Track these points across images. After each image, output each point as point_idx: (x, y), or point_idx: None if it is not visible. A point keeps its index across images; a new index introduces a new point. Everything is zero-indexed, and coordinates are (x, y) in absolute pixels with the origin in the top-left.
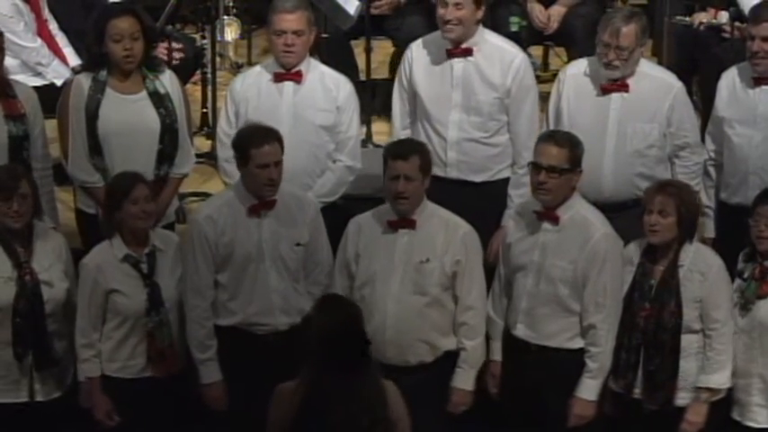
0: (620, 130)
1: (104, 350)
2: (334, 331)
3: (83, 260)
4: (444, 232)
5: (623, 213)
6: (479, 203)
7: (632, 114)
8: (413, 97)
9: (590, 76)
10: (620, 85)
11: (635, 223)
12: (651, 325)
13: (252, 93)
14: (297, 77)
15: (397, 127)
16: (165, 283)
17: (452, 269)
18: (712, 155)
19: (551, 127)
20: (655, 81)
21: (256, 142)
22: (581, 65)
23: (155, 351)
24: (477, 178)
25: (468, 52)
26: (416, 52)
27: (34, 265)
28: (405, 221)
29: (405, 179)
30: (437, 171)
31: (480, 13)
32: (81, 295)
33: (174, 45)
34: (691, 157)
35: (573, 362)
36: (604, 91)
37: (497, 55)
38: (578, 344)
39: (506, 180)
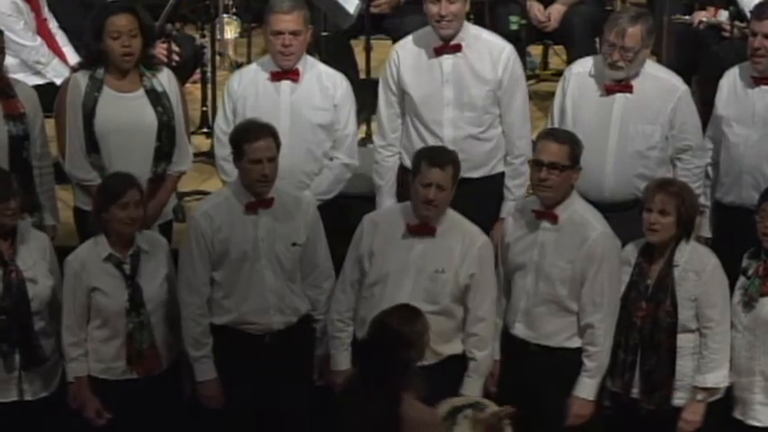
0: (623, 131)
1: (90, 350)
2: (381, 338)
3: (68, 257)
4: (461, 244)
5: (622, 213)
6: (479, 199)
7: (635, 115)
8: (401, 99)
9: (594, 75)
10: (624, 86)
11: (634, 223)
12: (648, 325)
13: (249, 92)
14: (294, 76)
15: (387, 131)
16: (148, 285)
17: (465, 282)
18: (711, 153)
19: (555, 125)
20: (659, 82)
21: (249, 137)
22: (586, 64)
23: (133, 352)
24: (476, 174)
25: (457, 48)
26: (402, 53)
27: (18, 263)
28: (425, 228)
29: (437, 188)
30: None
31: (467, 6)
32: (66, 293)
33: (174, 48)
34: (692, 160)
35: (571, 361)
36: (608, 91)
37: (485, 48)
38: (577, 343)
39: (503, 174)
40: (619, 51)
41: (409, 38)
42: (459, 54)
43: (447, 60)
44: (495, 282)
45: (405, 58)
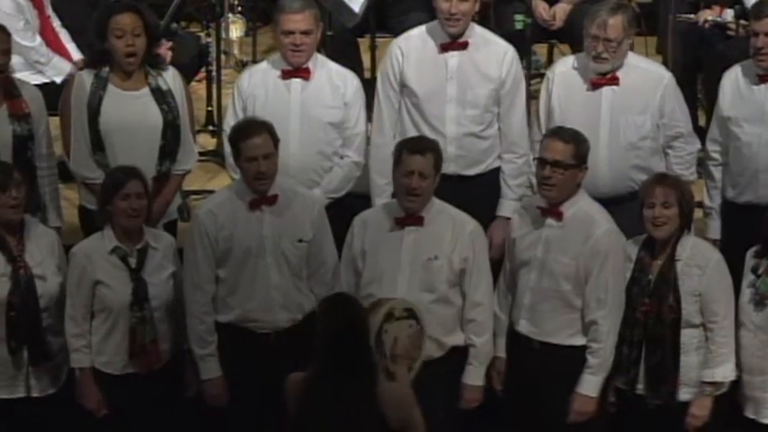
0: (613, 124)
1: (93, 342)
2: (334, 331)
3: (73, 249)
4: (452, 229)
5: (620, 207)
6: (473, 196)
7: (624, 107)
8: (401, 95)
9: (579, 72)
10: (611, 79)
11: (632, 216)
12: (651, 320)
13: (260, 90)
14: (305, 75)
15: (386, 127)
16: (153, 281)
17: (460, 266)
18: (715, 155)
19: (542, 126)
20: (644, 73)
21: (244, 135)
22: (568, 62)
23: (136, 346)
24: (472, 171)
25: (463, 46)
26: (406, 48)
27: (27, 259)
28: (412, 219)
29: (419, 176)
30: None
31: (477, 6)
32: (70, 284)
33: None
34: (684, 146)
35: (575, 359)
36: (594, 86)
37: (490, 48)
38: (581, 341)
39: (496, 170)
40: (602, 43)
41: (412, 32)
42: (464, 52)
43: (452, 58)
44: (489, 267)
45: (408, 52)
